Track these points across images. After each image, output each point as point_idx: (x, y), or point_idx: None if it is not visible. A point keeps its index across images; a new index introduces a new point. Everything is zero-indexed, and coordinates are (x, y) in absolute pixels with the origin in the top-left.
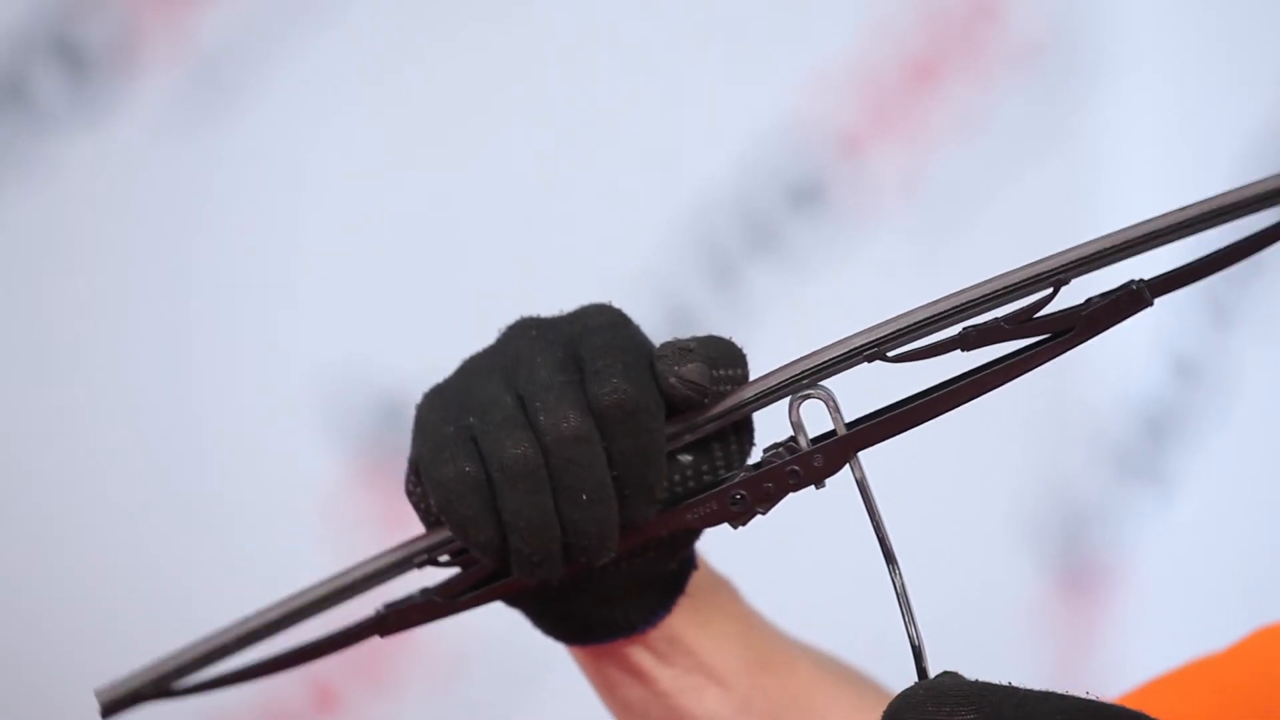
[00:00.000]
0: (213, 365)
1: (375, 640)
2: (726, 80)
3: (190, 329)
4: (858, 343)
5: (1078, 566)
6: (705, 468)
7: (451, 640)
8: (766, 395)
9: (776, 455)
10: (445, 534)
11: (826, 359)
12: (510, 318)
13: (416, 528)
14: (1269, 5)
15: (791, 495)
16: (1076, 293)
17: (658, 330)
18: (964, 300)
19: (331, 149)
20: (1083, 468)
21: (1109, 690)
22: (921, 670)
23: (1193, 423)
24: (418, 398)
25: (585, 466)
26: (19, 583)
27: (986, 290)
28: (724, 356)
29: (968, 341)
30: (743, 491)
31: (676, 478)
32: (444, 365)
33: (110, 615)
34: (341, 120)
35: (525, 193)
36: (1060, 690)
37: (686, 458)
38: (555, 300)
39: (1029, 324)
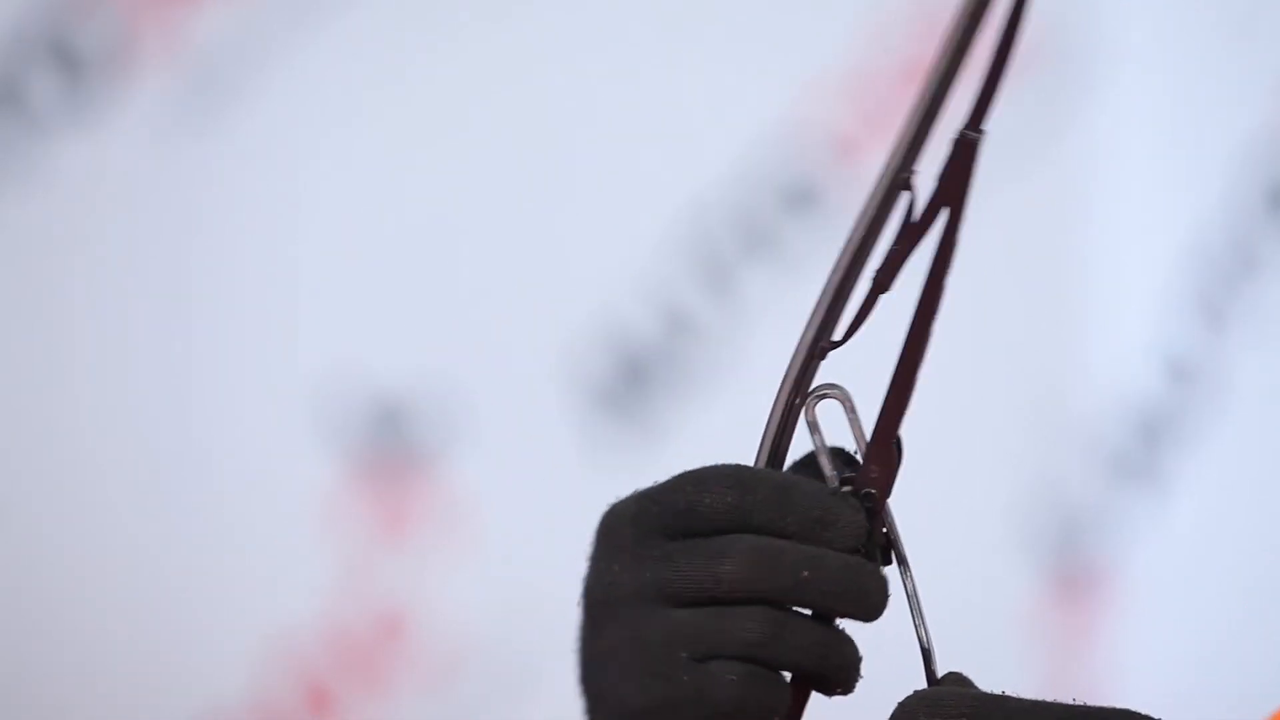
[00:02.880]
0: (209, 369)
1: (369, 639)
2: (721, 84)
3: (187, 333)
4: (804, 351)
5: (1073, 569)
6: None
7: (447, 641)
8: (785, 425)
9: (851, 490)
10: None
11: (792, 383)
12: (506, 321)
13: (413, 529)
14: (1265, 9)
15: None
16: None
17: (653, 331)
18: (850, 256)
19: (328, 153)
20: (1078, 471)
21: (1104, 693)
22: (930, 673)
23: (1188, 425)
24: (413, 401)
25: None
26: (16, 584)
27: (860, 233)
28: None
29: (882, 283)
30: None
31: None
32: (439, 368)
33: (107, 616)
34: (338, 125)
35: (520, 197)
36: (1056, 699)
37: None
38: (550, 304)
39: (912, 229)
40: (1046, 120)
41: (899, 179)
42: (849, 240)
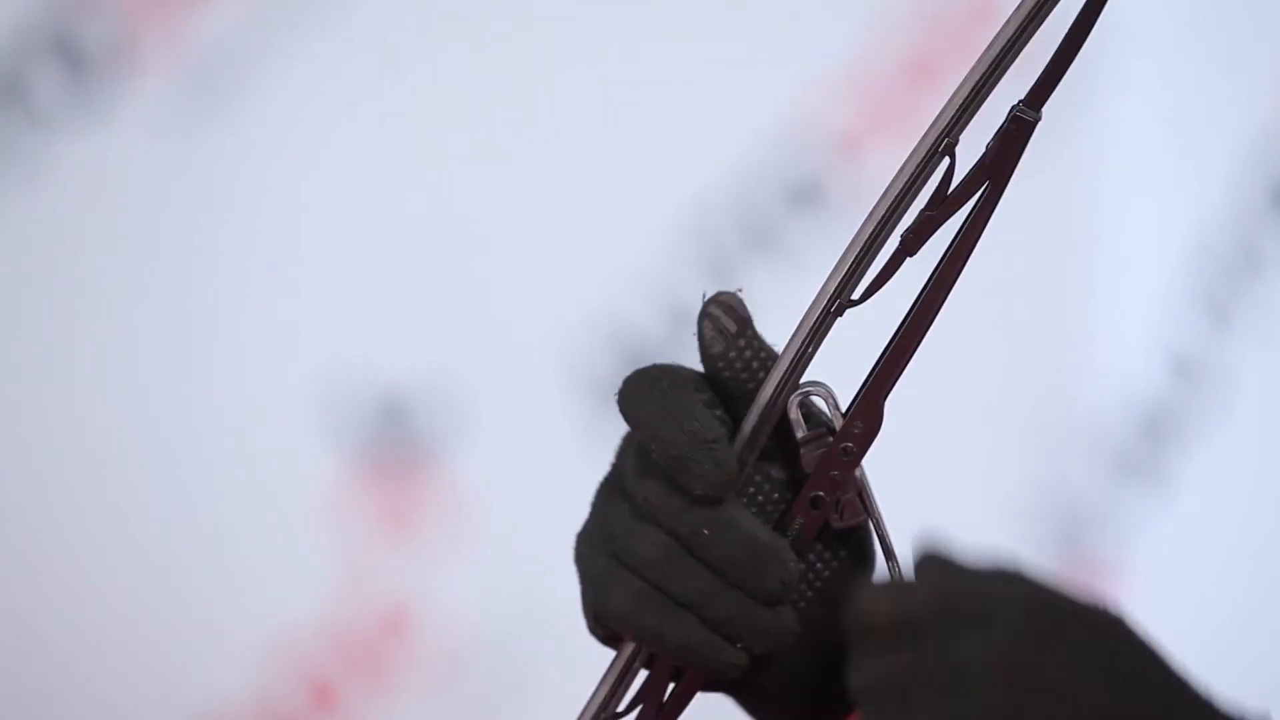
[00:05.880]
0: (212, 366)
1: (373, 636)
2: (725, 81)
3: (189, 330)
4: (822, 304)
5: (1076, 566)
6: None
7: (448, 638)
8: (774, 402)
9: (820, 443)
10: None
11: (806, 334)
12: (510, 318)
13: (417, 525)
14: (1269, 8)
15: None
16: (972, 152)
17: (656, 327)
18: (881, 214)
19: (330, 150)
20: (1082, 468)
21: None
22: None
23: (1191, 423)
24: (416, 397)
25: (714, 534)
26: (19, 580)
27: (894, 194)
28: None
29: (909, 246)
30: (819, 492)
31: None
32: (443, 365)
33: (111, 613)
34: (340, 121)
35: (524, 193)
36: None
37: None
38: (555, 299)
39: (950, 198)
40: (1050, 118)
41: (942, 143)
42: (883, 197)
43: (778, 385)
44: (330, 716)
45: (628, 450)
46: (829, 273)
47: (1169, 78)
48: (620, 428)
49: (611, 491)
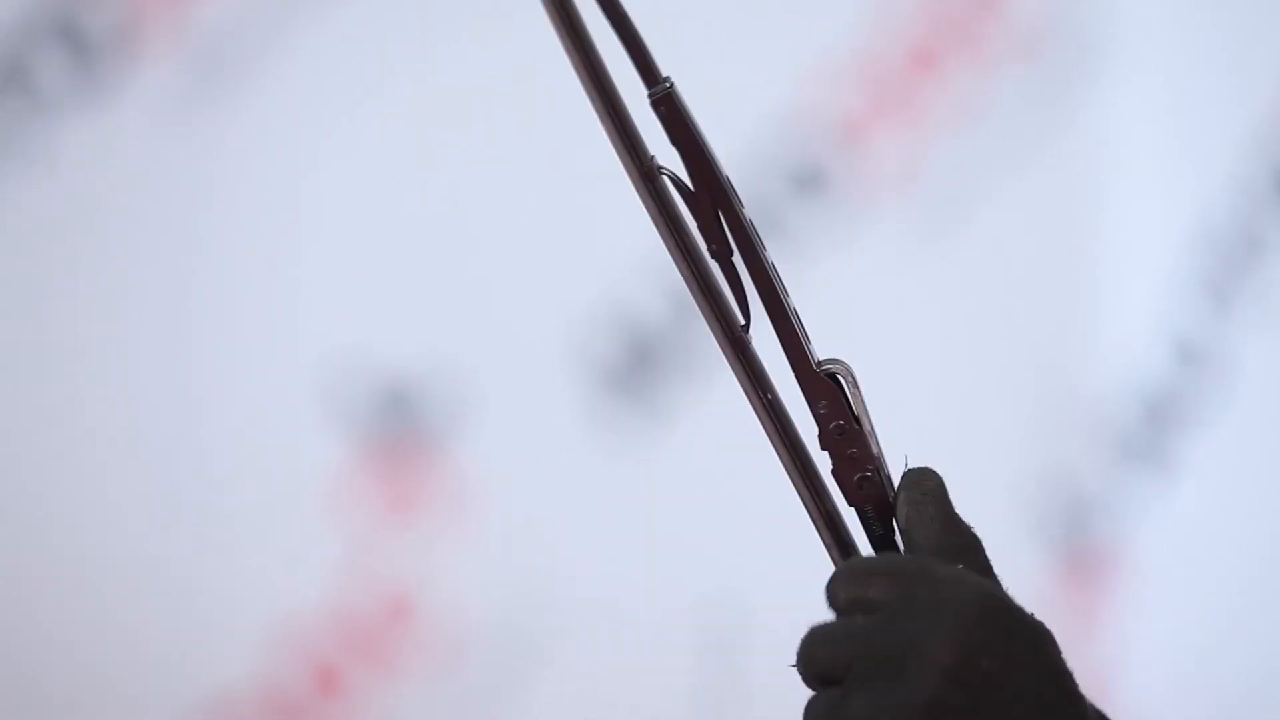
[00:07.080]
0: (216, 352)
1: (376, 622)
2: (729, 67)
3: (193, 316)
4: (728, 347)
5: (1080, 551)
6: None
7: (453, 624)
8: (777, 414)
9: (830, 424)
10: None
11: (748, 386)
12: (513, 303)
13: (421, 511)
14: None
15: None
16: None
17: (658, 313)
18: (680, 255)
19: (333, 136)
20: (1085, 453)
21: (1110, 672)
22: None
23: (1195, 408)
24: (420, 383)
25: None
26: (26, 568)
27: (665, 233)
28: None
29: (721, 253)
30: (861, 473)
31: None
32: (446, 350)
33: (113, 600)
34: (343, 108)
35: (527, 179)
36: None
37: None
38: (558, 285)
39: (693, 196)
40: (1053, 106)
41: (643, 173)
42: (666, 245)
43: (776, 427)
44: (334, 701)
45: None
46: (705, 323)
47: (1171, 64)
48: (624, 414)
49: None
